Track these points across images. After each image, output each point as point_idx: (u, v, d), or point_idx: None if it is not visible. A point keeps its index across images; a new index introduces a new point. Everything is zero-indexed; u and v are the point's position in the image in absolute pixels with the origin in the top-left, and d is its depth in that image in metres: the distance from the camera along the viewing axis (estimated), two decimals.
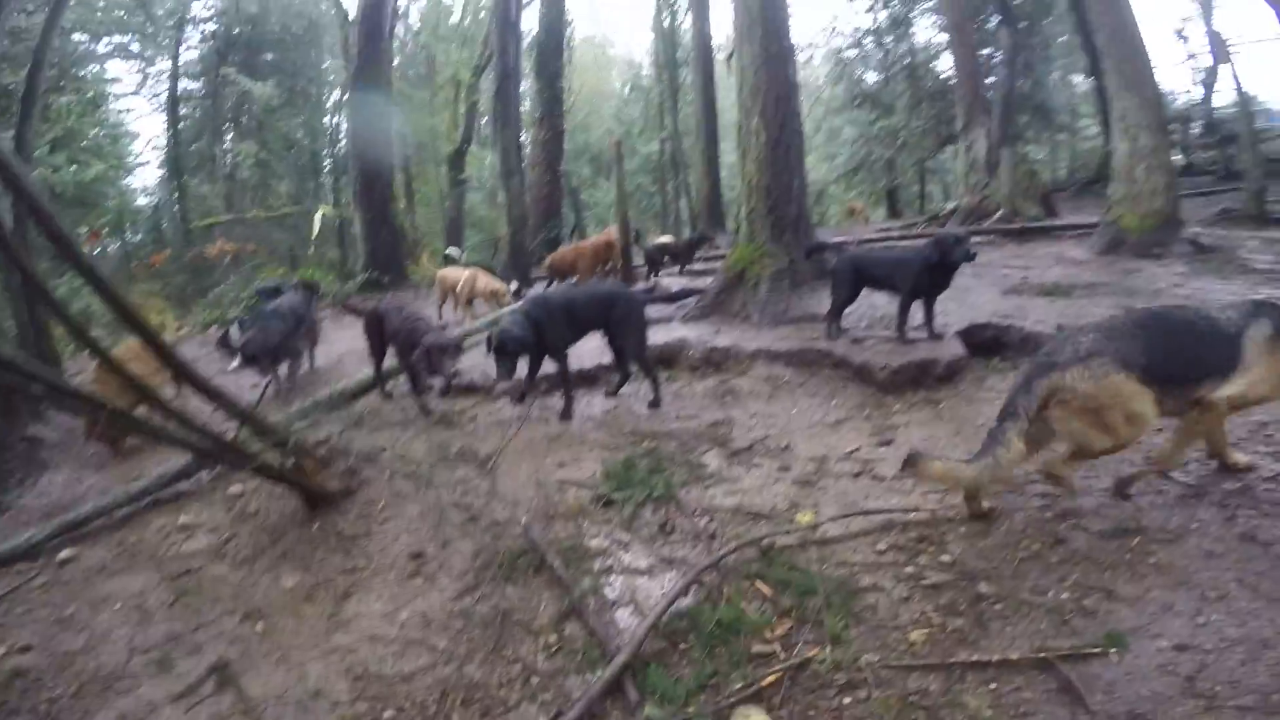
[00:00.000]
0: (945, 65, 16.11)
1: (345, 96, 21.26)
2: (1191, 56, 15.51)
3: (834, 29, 17.76)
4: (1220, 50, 13.94)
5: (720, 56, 13.61)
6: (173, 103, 18.88)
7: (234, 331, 6.84)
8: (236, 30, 19.01)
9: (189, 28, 18.81)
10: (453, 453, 4.05)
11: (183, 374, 3.35)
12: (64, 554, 3.52)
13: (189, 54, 19.29)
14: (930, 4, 16.11)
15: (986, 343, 4.71)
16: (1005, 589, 2.26)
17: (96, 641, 2.82)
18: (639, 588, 2.67)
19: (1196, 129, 14.78)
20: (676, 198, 15.96)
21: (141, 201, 20.57)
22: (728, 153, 14.12)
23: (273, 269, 14.64)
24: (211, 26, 19.20)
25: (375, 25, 12.07)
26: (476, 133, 20.65)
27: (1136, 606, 2.05)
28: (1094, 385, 2.38)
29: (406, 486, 3.67)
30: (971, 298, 5.53)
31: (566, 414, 4.40)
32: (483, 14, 19.69)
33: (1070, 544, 2.45)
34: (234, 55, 18.93)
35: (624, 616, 2.50)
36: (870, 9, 17.03)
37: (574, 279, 8.30)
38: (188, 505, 3.90)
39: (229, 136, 20.35)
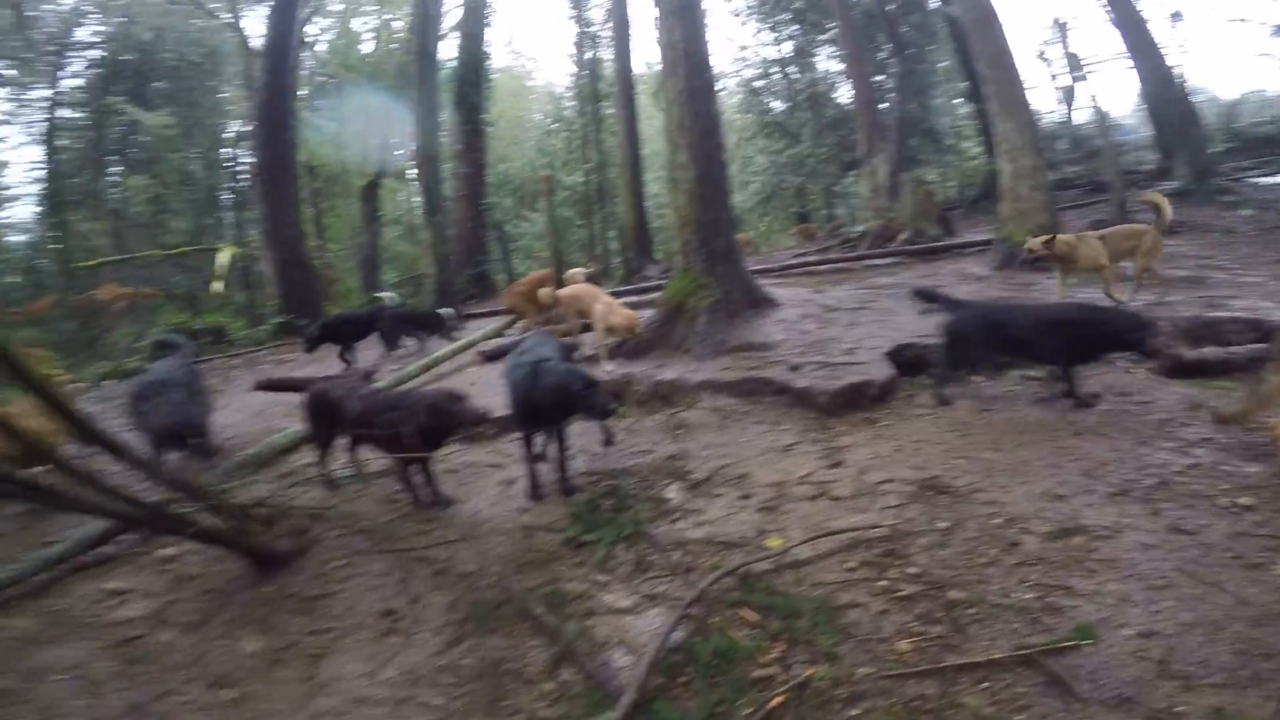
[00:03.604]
0: (844, 94, 17.39)
1: (246, 128, 20.39)
2: (1054, 77, 17.49)
3: (744, 60, 18.77)
4: (1077, 70, 15.83)
5: (642, 89, 14.03)
6: (50, 133, 17.37)
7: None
8: (125, 57, 17.72)
9: (70, 53, 17.44)
10: (404, 506, 3.89)
11: (93, 436, 3.05)
12: None
13: (70, 81, 17.94)
14: (828, 36, 17.36)
15: (912, 361, 4.97)
16: (974, 594, 2.42)
17: (48, 716, 2.58)
18: (626, 627, 2.66)
19: (1064, 145, 16.59)
20: (604, 229, 16.14)
21: (13, 239, 18.69)
22: (650, 183, 14.53)
23: (172, 314, 13.60)
24: (96, 53, 17.90)
25: (280, 55, 11.61)
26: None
27: (1095, 600, 2.25)
28: None
29: (361, 543, 3.50)
30: (893, 319, 5.87)
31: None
32: (394, 45, 19.42)
33: (1023, 546, 2.65)
34: (121, 83, 17.67)
35: (617, 657, 2.48)
36: (775, 41, 18.13)
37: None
38: (114, 570, 3.61)
39: (115, 170, 18.85)
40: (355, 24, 20.58)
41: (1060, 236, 5.99)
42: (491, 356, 6.74)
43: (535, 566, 3.15)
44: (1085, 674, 1.97)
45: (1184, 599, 2.19)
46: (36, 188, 17.94)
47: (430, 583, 3.10)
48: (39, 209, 17.98)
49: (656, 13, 6.49)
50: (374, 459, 4.36)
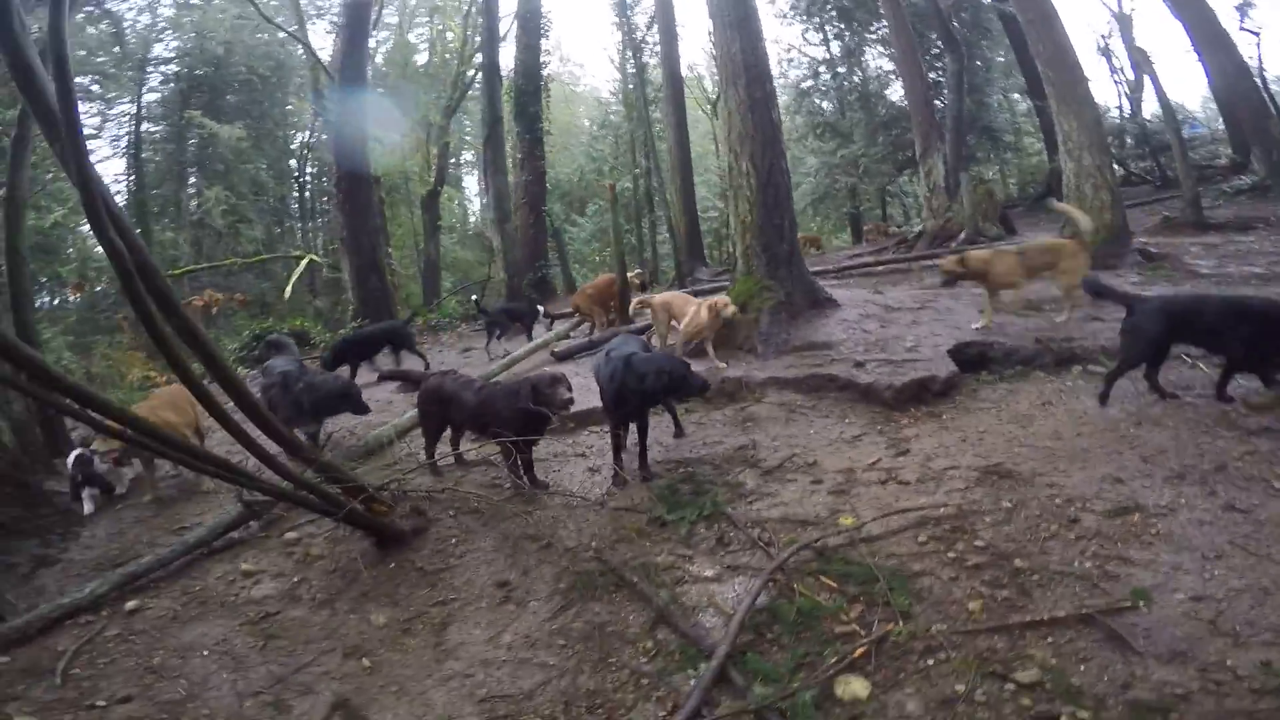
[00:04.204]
0: (895, 93, 17.27)
1: (312, 139, 21.56)
2: (1116, 71, 16.89)
3: (791, 60, 18.82)
4: (1143, 63, 15.29)
5: (693, 96, 14.25)
6: (136, 145, 18.74)
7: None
8: (200, 72, 18.96)
9: (150, 69, 18.73)
10: (506, 488, 4.27)
11: (259, 419, 3.48)
12: (130, 605, 3.54)
13: (150, 96, 19.21)
14: (877, 35, 17.26)
15: (973, 359, 5.16)
16: (1037, 564, 2.68)
17: (198, 689, 2.85)
18: (713, 593, 2.98)
19: (1130, 141, 16.05)
20: (653, 233, 16.50)
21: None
22: (698, 186, 14.76)
23: (256, 320, 14.61)
24: (174, 68, 19.12)
25: (355, 68, 12.17)
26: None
27: (1151, 569, 2.49)
28: None
29: (473, 522, 3.90)
30: (953, 318, 6.01)
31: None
32: (449, 55, 20.26)
33: (1083, 523, 2.89)
34: (198, 97, 18.82)
35: (707, 619, 2.81)
36: (823, 41, 18.12)
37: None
38: (244, 553, 3.98)
39: (192, 180, 20.22)
40: (411, 36, 21.47)
41: (973, 254, 5.84)
42: (563, 356, 7.17)
43: (626, 542, 3.48)
44: (1141, 631, 2.21)
45: (1235, 568, 2.40)
46: (122, 199, 19.36)
47: (537, 557, 3.47)
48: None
49: (712, 25, 6.74)
50: (472, 448, 4.77)
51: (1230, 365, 3.88)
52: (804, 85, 18.59)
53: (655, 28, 14.73)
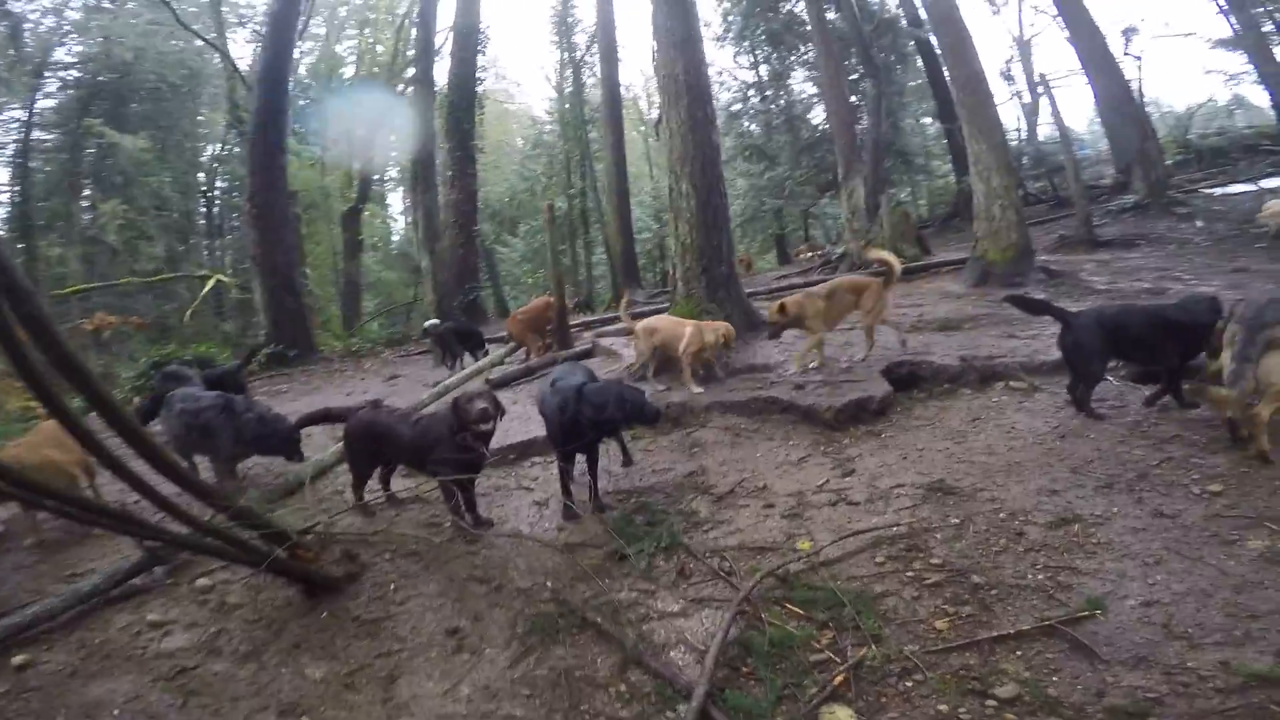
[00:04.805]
0: (817, 117, 18.09)
1: (224, 151, 20.29)
2: (1016, 94, 18.39)
3: (722, 82, 19.40)
4: (1043, 88, 16.71)
5: (629, 118, 14.38)
6: (24, 154, 17.08)
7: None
8: (103, 78, 17.57)
9: (48, 73, 17.25)
10: (447, 527, 4.05)
11: (160, 462, 3.12)
12: (17, 659, 3.17)
13: (45, 102, 17.84)
14: (800, 58, 18.04)
15: (905, 378, 5.35)
16: (993, 578, 2.76)
17: None
18: (681, 629, 2.88)
19: (1026, 162, 17.44)
20: (588, 254, 16.46)
21: None
22: (633, 207, 14.84)
23: (155, 345, 13.42)
24: (75, 73, 17.74)
25: (276, 79, 11.67)
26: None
27: (1099, 577, 2.61)
28: None
29: (413, 566, 3.65)
30: (882, 338, 6.24)
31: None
32: (376, 69, 19.64)
33: (1028, 536, 3.01)
34: (98, 105, 17.49)
35: (678, 656, 2.71)
36: (753, 65, 18.78)
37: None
38: (149, 602, 3.63)
39: (87, 193, 18.59)
40: (338, 48, 20.74)
41: (788, 300, 5.84)
42: (500, 384, 6.92)
43: (584, 579, 3.33)
44: (1103, 639, 2.31)
45: (1174, 572, 2.56)
46: (3, 211, 17.61)
47: (487, 600, 3.26)
48: (7, 233, 17.58)
49: (656, 45, 6.78)
50: (404, 487, 4.49)
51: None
52: (733, 108, 19.18)
53: (595, 48, 14.78)
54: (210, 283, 14.01)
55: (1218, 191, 12.64)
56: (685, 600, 3.09)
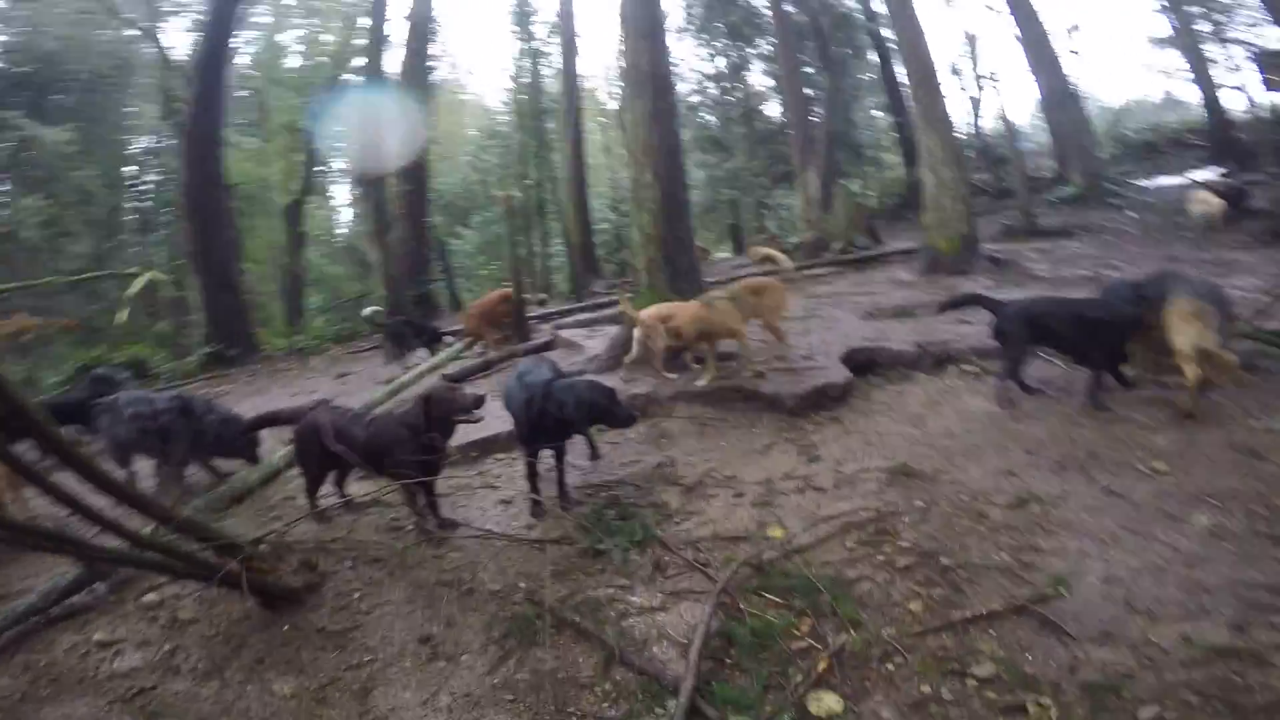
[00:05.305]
0: (772, 109, 18.29)
1: (156, 144, 19.12)
2: (963, 89, 18.98)
3: (680, 75, 19.37)
4: (985, 82, 17.32)
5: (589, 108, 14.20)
6: None
7: None
8: (24, 69, 16.33)
9: None
10: (410, 530, 3.93)
11: (90, 473, 2.90)
12: None
13: None
14: (760, 51, 18.17)
15: (863, 364, 5.48)
16: (960, 559, 2.84)
17: None
18: (661, 623, 2.86)
19: (971, 154, 18.05)
20: (544, 245, 16.23)
21: None
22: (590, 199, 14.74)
23: (84, 348, 12.60)
24: None
25: (213, 68, 11.11)
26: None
27: (1060, 556, 2.72)
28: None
29: (377, 572, 3.51)
30: (840, 326, 6.40)
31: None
32: (324, 59, 18.81)
33: (990, 517, 3.12)
34: (18, 96, 16.24)
35: (661, 651, 2.69)
36: (711, 56, 18.82)
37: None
38: (94, 620, 3.43)
39: (5, 189, 17.27)
40: (281, 37, 19.78)
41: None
42: (457, 379, 6.75)
43: (558, 578, 3.26)
44: (1070, 616, 2.40)
45: (1129, 549, 2.69)
46: None
47: (459, 605, 3.17)
48: None
49: (621, 34, 6.68)
50: (362, 491, 4.30)
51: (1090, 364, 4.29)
52: (691, 99, 19.20)
53: (554, 38, 14.53)
54: (141, 281, 13.16)
55: (1149, 184, 13.32)
56: (663, 594, 3.07)
